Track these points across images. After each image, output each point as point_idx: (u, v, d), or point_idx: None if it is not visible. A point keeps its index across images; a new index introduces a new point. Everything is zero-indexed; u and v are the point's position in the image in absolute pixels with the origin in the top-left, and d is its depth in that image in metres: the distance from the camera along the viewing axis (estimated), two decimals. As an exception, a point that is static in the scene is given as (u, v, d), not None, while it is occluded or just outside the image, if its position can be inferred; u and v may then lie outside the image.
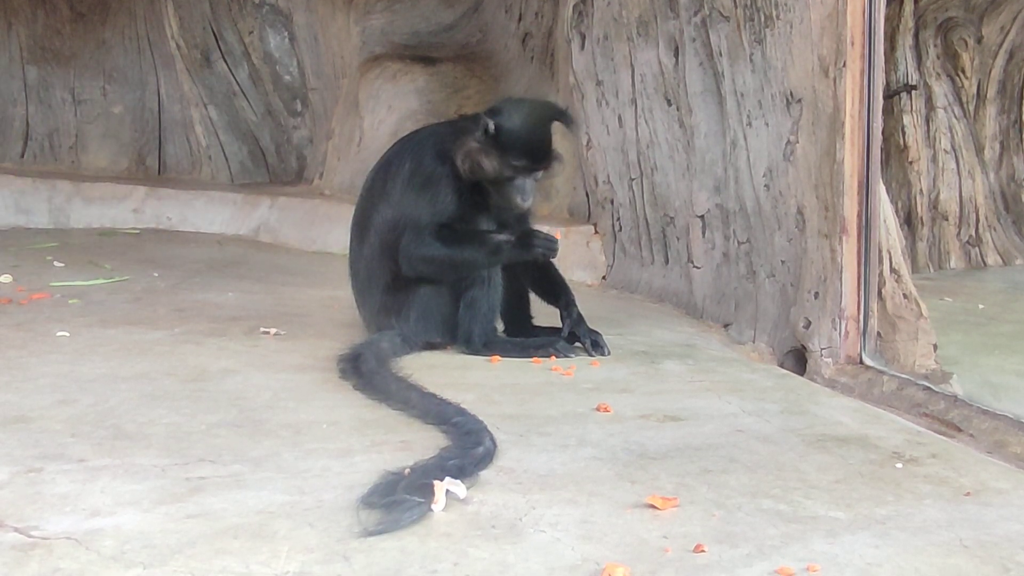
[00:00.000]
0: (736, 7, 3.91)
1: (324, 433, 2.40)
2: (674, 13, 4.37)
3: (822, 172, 3.49)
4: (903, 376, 3.22)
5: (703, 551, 1.79)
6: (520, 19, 6.39)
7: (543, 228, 3.66)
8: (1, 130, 7.38)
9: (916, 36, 7.03)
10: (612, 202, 4.96)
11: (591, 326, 3.43)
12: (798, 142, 3.61)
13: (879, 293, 3.46)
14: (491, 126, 3.17)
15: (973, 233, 7.19)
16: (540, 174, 3.26)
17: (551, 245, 3.32)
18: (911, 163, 6.99)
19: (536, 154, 3.21)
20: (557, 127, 3.36)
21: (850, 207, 3.40)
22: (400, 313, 3.30)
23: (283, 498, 1.96)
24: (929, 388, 3.07)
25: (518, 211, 3.31)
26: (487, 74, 6.48)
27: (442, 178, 3.25)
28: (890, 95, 6.75)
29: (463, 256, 3.25)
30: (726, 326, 4.07)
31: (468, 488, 2.02)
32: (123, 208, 6.62)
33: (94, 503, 1.90)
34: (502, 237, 3.27)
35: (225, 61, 7.46)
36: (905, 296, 3.51)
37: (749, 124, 3.92)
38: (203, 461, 2.16)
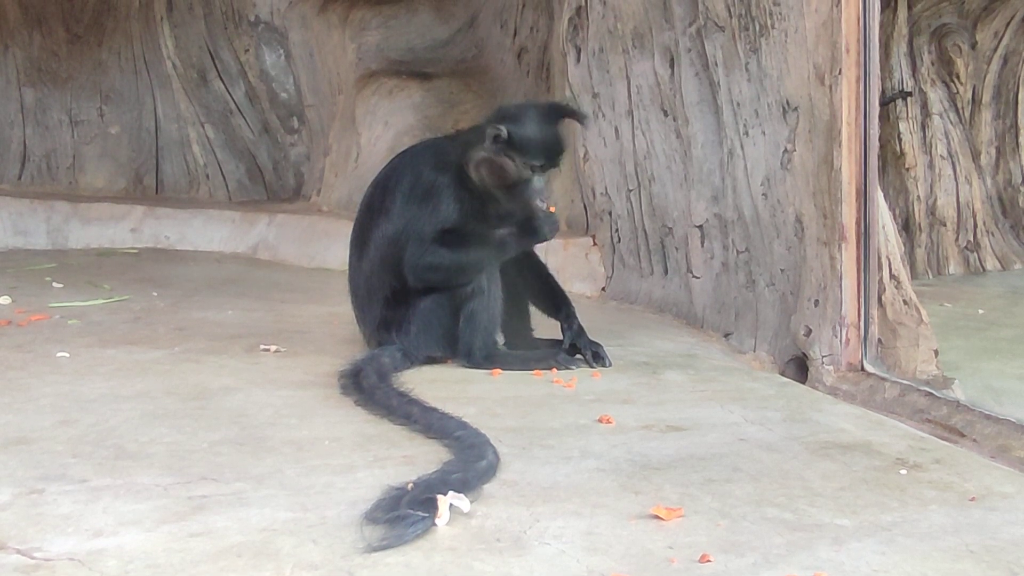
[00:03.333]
0: (731, 17, 3.92)
1: (326, 449, 2.40)
2: (669, 24, 4.39)
3: (820, 180, 3.50)
4: (905, 382, 3.22)
5: (709, 561, 1.78)
6: (515, 34, 6.42)
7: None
8: (-1, 152, 7.40)
9: (910, 43, 7.06)
10: (610, 214, 4.96)
11: (592, 338, 3.43)
12: (795, 150, 3.62)
13: (879, 300, 3.46)
14: (504, 131, 3.18)
15: (971, 238, 7.20)
16: (550, 174, 3.28)
17: (554, 222, 3.28)
18: (908, 169, 7.01)
19: (552, 151, 3.24)
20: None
21: (848, 214, 3.40)
22: (400, 327, 3.29)
23: (286, 515, 1.96)
24: (931, 394, 3.06)
25: (535, 212, 3.25)
26: (483, 89, 6.50)
27: (443, 188, 3.25)
28: (886, 102, 6.78)
29: (469, 258, 3.24)
30: (727, 335, 4.06)
31: (472, 502, 2.01)
32: (121, 228, 6.62)
33: (96, 523, 1.89)
34: (504, 231, 3.26)
35: (221, 80, 7.48)
36: (905, 302, 3.51)
37: (746, 133, 3.92)
38: (205, 479, 2.15)
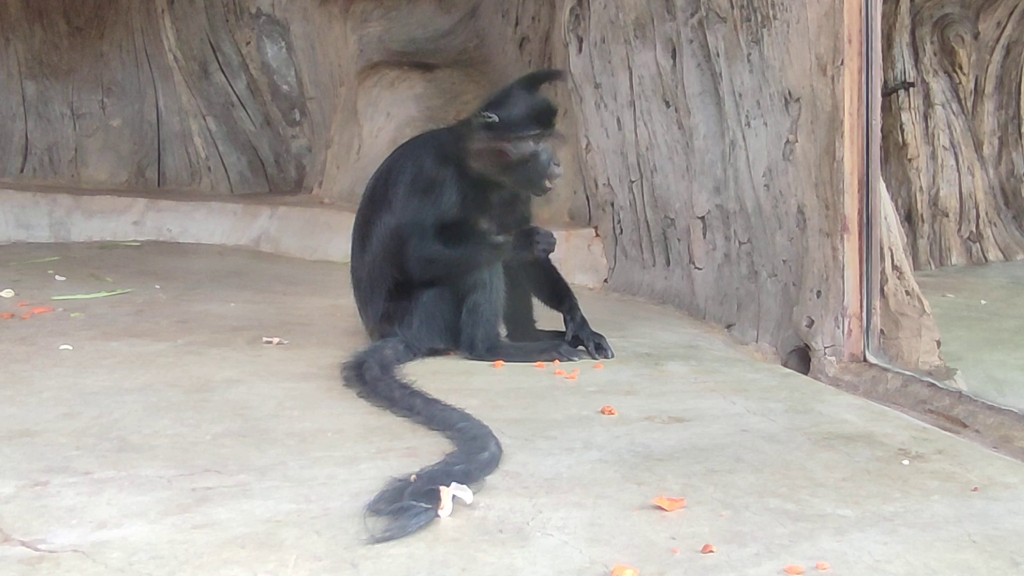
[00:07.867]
0: (733, 8, 3.91)
1: (329, 441, 2.40)
2: (671, 15, 4.38)
3: (822, 171, 3.49)
4: (907, 373, 3.22)
5: (711, 551, 1.78)
6: (517, 24, 6.40)
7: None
8: (1, 145, 7.39)
9: (913, 33, 7.04)
10: (612, 205, 4.96)
11: (594, 329, 3.44)
12: (797, 141, 3.61)
13: (881, 290, 3.46)
14: (493, 117, 3.20)
15: (974, 229, 7.20)
16: (553, 140, 3.28)
17: (550, 241, 3.31)
18: (910, 160, 7.00)
19: (543, 115, 3.24)
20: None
21: (851, 205, 3.40)
22: (403, 320, 3.30)
23: (290, 507, 1.96)
24: (933, 384, 3.07)
25: (549, 186, 3.28)
26: (485, 79, 6.48)
27: (445, 180, 3.26)
28: (888, 92, 6.77)
29: (465, 256, 3.25)
30: (729, 327, 4.06)
31: (474, 493, 2.01)
32: (123, 221, 6.62)
33: (100, 515, 1.90)
34: (502, 238, 3.28)
35: (223, 72, 7.47)
36: (907, 293, 3.51)
37: (748, 124, 3.92)
38: (209, 471, 2.16)
